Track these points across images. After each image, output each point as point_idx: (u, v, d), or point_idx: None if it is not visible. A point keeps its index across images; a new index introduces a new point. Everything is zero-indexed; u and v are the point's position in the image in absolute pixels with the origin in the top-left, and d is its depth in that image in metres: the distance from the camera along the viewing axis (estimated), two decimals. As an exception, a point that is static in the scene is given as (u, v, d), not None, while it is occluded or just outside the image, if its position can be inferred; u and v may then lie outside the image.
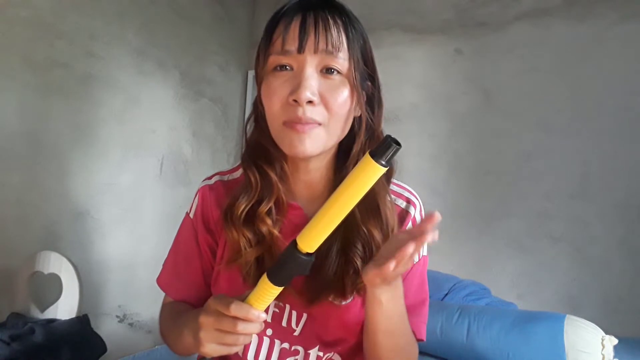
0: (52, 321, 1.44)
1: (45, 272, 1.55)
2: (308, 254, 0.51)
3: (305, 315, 0.69)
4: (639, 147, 1.82)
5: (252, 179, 0.67)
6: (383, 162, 0.45)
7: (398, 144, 0.45)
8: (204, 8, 2.50)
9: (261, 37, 0.65)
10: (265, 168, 0.67)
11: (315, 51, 0.60)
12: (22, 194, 1.72)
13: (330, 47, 0.60)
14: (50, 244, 1.76)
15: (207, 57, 2.53)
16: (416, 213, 0.73)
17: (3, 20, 1.64)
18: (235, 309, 0.52)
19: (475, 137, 2.15)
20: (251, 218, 0.66)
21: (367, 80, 0.67)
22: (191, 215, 0.77)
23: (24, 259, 1.60)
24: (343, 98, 0.61)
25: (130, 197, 2.13)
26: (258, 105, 0.69)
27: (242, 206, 0.66)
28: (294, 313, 0.69)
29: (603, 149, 1.88)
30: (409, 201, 0.73)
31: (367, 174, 0.46)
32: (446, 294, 1.83)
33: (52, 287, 1.57)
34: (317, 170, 0.69)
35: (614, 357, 1.26)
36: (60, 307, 1.53)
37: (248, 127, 0.72)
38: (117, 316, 2.09)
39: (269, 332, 0.70)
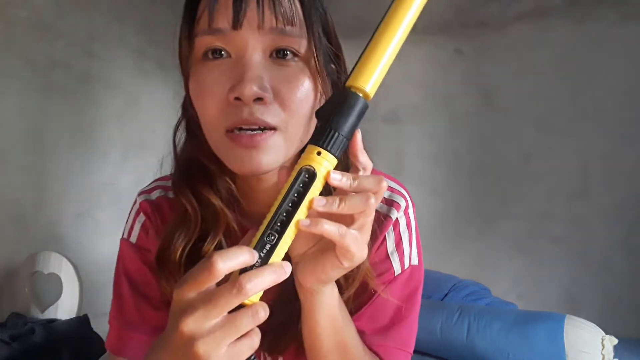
0: (52, 321, 1.44)
1: (45, 272, 1.55)
2: (367, 102, 0.39)
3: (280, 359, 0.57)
4: (639, 147, 1.82)
5: (189, 207, 0.51)
6: None
7: None
8: (204, 8, 2.50)
9: (182, 16, 0.50)
10: (204, 192, 0.51)
11: (260, 27, 0.44)
12: (22, 194, 1.72)
13: (280, 20, 0.44)
14: (50, 244, 1.76)
15: (207, 57, 2.53)
16: (400, 214, 0.57)
17: (3, 20, 1.64)
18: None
19: (475, 137, 2.15)
20: (195, 260, 0.43)
21: (331, 63, 0.51)
22: (133, 239, 0.60)
23: (24, 259, 1.59)
24: (304, 90, 0.45)
25: (130, 197, 2.12)
26: (189, 109, 0.53)
27: (180, 248, 0.50)
28: (269, 358, 0.57)
29: (603, 149, 1.88)
30: (391, 204, 0.57)
31: None
32: (446, 294, 1.83)
33: (52, 287, 1.57)
34: (275, 185, 0.52)
35: (614, 357, 1.26)
36: (60, 307, 1.53)
37: (177, 139, 0.56)
38: (117, 316, 2.09)
39: None
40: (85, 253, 1.92)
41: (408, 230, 0.58)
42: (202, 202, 0.51)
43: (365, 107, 0.39)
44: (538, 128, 2.01)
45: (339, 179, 0.38)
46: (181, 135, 0.56)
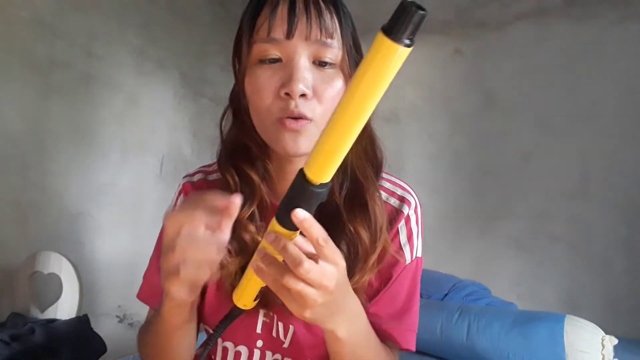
0: (52, 321, 1.44)
1: (45, 272, 1.55)
2: (322, 185, 0.42)
3: (292, 328, 0.64)
4: (639, 147, 1.82)
5: (231, 181, 0.61)
6: (404, 39, 0.32)
7: (420, 7, 0.31)
8: (204, 8, 2.50)
9: (242, 22, 0.60)
10: (246, 169, 0.62)
11: (307, 38, 0.54)
12: (22, 194, 1.72)
13: (324, 34, 0.55)
14: (50, 244, 1.76)
15: (207, 57, 2.53)
16: (411, 211, 0.65)
17: (3, 20, 1.64)
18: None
19: (475, 137, 2.15)
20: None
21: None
22: None
23: (24, 259, 1.59)
24: (337, 90, 0.57)
25: (130, 197, 2.13)
26: (240, 99, 0.62)
27: None
28: (281, 325, 0.64)
29: (603, 149, 1.88)
30: (402, 200, 0.66)
31: (382, 61, 0.33)
32: (446, 294, 1.84)
33: (52, 287, 1.57)
34: None
35: (614, 357, 1.26)
36: (60, 307, 1.53)
37: (224, 123, 0.66)
38: (117, 316, 2.09)
39: (260, 343, 0.65)
40: (85, 253, 1.92)
41: (417, 226, 0.67)
42: (242, 176, 0.62)
43: (314, 193, 0.42)
44: (538, 128, 2.01)
45: (271, 239, 0.44)
46: (225, 123, 0.67)
